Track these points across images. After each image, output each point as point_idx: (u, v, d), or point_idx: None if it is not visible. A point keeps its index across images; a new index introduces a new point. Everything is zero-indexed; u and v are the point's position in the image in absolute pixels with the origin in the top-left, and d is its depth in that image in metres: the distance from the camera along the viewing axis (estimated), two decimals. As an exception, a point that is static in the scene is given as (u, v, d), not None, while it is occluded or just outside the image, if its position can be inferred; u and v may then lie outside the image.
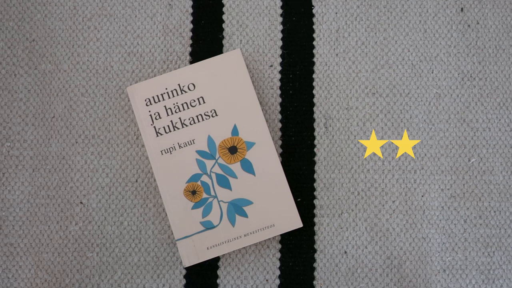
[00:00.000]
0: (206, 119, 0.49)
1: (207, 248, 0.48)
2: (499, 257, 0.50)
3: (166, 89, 0.50)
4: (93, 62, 0.52)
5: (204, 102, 0.50)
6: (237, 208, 0.48)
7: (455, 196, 0.50)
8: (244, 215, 0.48)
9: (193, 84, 0.50)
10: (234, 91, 0.50)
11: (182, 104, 0.50)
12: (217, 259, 0.50)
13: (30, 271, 0.49)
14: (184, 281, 0.49)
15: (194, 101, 0.50)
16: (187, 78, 0.50)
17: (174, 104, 0.50)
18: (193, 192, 0.48)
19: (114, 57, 0.52)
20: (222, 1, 0.53)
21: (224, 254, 0.50)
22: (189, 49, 0.53)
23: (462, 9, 0.53)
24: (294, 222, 0.48)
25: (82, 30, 0.53)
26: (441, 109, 0.52)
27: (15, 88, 0.52)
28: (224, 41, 0.53)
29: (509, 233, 0.50)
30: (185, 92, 0.50)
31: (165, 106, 0.50)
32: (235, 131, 0.49)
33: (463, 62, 0.52)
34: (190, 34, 0.53)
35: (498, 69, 0.52)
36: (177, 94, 0.50)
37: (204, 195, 0.48)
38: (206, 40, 0.53)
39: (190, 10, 0.53)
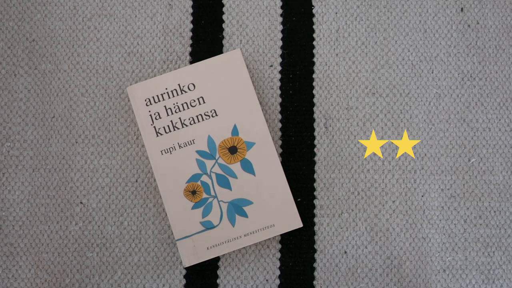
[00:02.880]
0: (206, 119, 0.49)
1: (207, 248, 0.48)
2: (499, 257, 0.50)
3: (166, 89, 0.50)
4: (93, 62, 0.52)
5: (204, 102, 0.50)
6: (237, 208, 0.48)
7: (455, 196, 0.50)
8: (244, 215, 0.48)
9: (193, 84, 0.50)
10: (234, 91, 0.50)
11: (182, 104, 0.50)
12: (217, 259, 0.50)
13: (30, 271, 0.49)
14: (184, 281, 0.49)
15: (194, 101, 0.50)
16: (187, 78, 0.50)
17: (174, 104, 0.50)
18: (193, 192, 0.48)
19: (114, 57, 0.52)
20: (222, 1, 0.53)
21: (224, 254, 0.50)
22: (189, 49, 0.53)
23: (462, 9, 0.53)
24: (294, 222, 0.48)
25: (82, 30, 0.53)
26: (441, 109, 0.52)
27: (15, 88, 0.52)
28: (224, 41, 0.53)
29: (509, 233, 0.50)
30: (185, 92, 0.50)
31: (165, 106, 0.49)
32: (235, 131, 0.49)
33: (463, 62, 0.52)
34: (190, 34, 0.53)
35: (498, 69, 0.52)
36: (177, 94, 0.50)
37: (204, 195, 0.48)
38: (206, 40, 0.53)
39: (190, 10, 0.53)
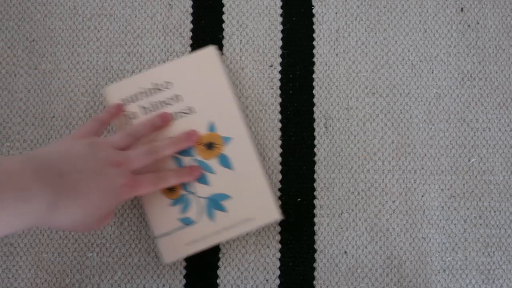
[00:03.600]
0: (183, 116, 0.49)
1: (187, 244, 0.47)
2: (499, 257, 0.50)
3: (142, 88, 0.49)
4: (93, 62, 0.52)
5: (181, 100, 0.49)
6: (216, 203, 0.48)
7: (455, 196, 0.50)
8: (223, 209, 0.48)
9: (169, 83, 0.50)
10: (209, 88, 0.49)
11: (158, 103, 0.49)
12: (217, 259, 0.50)
13: (30, 271, 0.49)
14: (184, 281, 0.49)
15: (171, 99, 0.49)
16: (162, 77, 0.50)
17: (150, 103, 0.49)
18: (171, 189, 0.48)
19: (114, 57, 0.52)
20: (222, 1, 0.53)
21: (224, 254, 0.50)
22: (189, 49, 0.53)
23: (462, 9, 0.53)
24: (272, 214, 0.48)
25: (82, 30, 0.53)
26: (441, 109, 0.52)
27: (15, 88, 0.52)
28: (224, 41, 0.53)
29: (509, 233, 0.50)
30: (162, 90, 0.49)
31: (141, 106, 0.49)
32: (212, 128, 0.49)
33: (463, 62, 0.52)
34: (190, 34, 0.53)
35: (498, 69, 0.52)
36: (154, 93, 0.49)
37: (182, 192, 0.48)
38: (206, 40, 0.53)
39: (190, 10, 0.53)
